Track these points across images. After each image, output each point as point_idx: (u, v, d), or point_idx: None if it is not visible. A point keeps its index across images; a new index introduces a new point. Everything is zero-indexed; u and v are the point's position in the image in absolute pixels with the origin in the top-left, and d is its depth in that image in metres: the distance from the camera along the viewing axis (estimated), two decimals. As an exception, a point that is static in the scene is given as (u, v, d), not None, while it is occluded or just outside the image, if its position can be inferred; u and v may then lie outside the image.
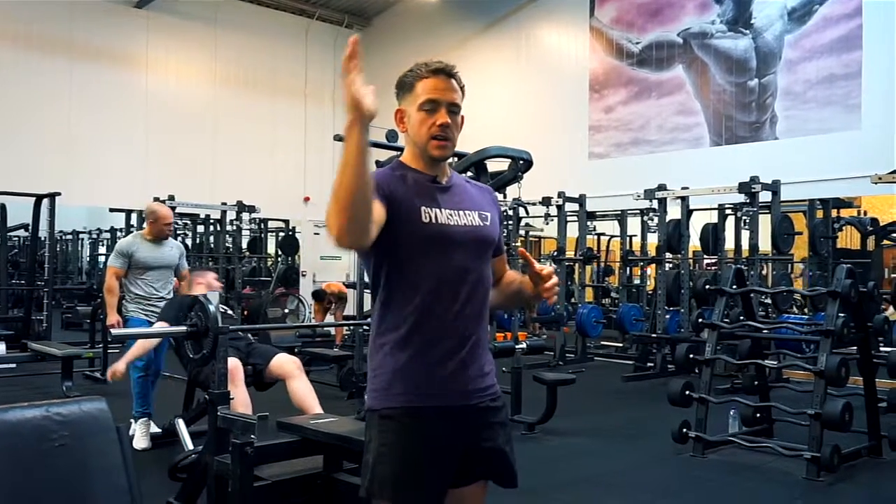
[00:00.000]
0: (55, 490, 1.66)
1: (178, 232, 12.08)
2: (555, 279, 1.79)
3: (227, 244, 11.25)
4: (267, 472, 2.90)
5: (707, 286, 7.76)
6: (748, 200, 7.71)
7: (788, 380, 6.86)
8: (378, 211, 1.61)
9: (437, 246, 1.72)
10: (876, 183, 6.88)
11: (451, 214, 1.74)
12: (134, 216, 12.91)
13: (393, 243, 1.69)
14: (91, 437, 1.74)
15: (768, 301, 7.59)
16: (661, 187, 8.55)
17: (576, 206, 9.79)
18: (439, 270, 1.71)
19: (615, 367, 8.89)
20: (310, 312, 11.02)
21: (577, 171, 11.16)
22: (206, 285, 4.87)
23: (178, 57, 12.85)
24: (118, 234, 14.78)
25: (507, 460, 1.81)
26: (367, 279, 6.33)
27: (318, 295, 9.65)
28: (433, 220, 1.72)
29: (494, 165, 6.21)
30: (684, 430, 4.81)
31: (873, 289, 5.16)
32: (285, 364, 4.28)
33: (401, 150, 5.64)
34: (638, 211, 10.02)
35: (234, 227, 11.10)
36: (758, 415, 5.08)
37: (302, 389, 4.15)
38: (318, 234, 12.46)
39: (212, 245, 12.25)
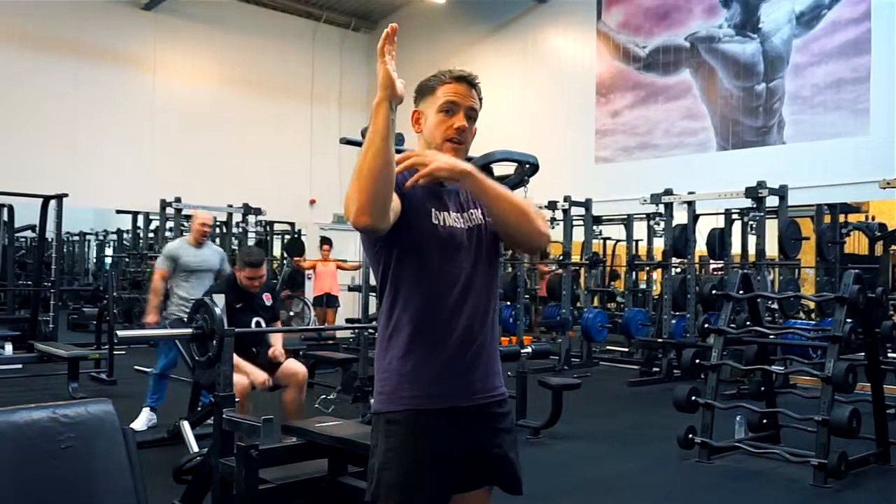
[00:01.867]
0: (61, 491, 1.66)
1: (185, 234, 12.10)
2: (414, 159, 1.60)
3: (232, 246, 11.26)
4: (272, 475, 2.89)
5: (713, 291, 7.74)
6: (755, 205, 7.69)
7: (795, 385, 6.83)
8: (395, 201, 1.61)
9: (445, 248, 1.72)
10: (884, 188, 6.86)
11: (457, 217, 1.75)
12: (140, 218, 12.96)
13: (401, 244, 1.69)
14: (97, 438, 1.74)
15: (775, 307, 7.56)
16: (668, 192, 8.53)
17: (582, 211, 9.78)
18: (446, 273, 1.71)
19: (621, 372, 8.87)
20: (314, 315, 11.04)
21: (584, 175, 11.15)
22: None
23: (185, 59, 12.89)
24: (125, 235, 14.84)
25: (513, 467, 1.80)
26: (373, 282, 6.28)
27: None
28: (442, 223, 1.73)
29: (501, 169, 6.20)
30: (690, 435, 4.79)
31: (881, 294, 5.13)
32: (298, 372, 4.39)
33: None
34: (644, 215, 10.00)
35: (240, 230, 11.12)
36: (764, 420, 5.06)
37: (298, 403, 4.34)
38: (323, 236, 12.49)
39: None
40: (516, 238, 1.74)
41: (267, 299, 4.52)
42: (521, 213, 1.68)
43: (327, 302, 10.29)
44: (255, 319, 4.37)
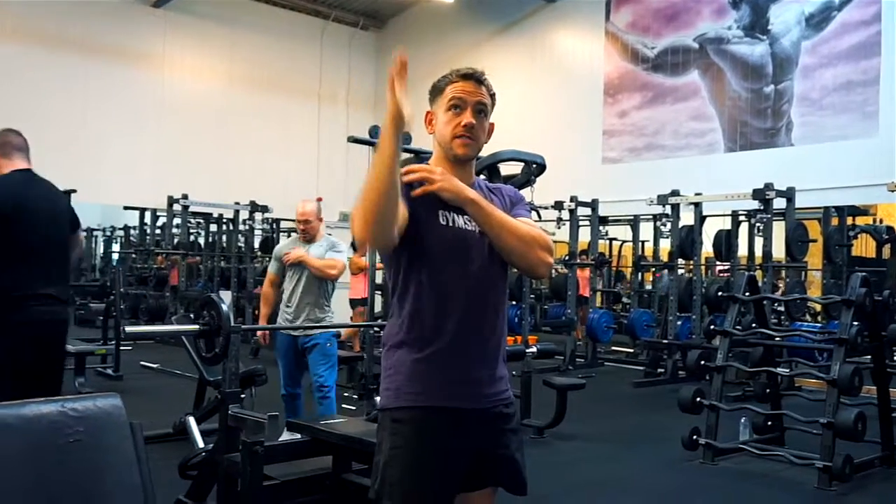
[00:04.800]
0: (69, 485, 1.67)
1: (191, 231, 12.10)
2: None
3: (239, 244, 11.29)
4: (276, 472, 2.91)
5: (720, 293, 7.73)
6: (762, 207, 7.67)
7: (800, 388, 6.81)
8: (402, 213, 1.64)
9: (454, 250, 1.73)
10: (892, 191, 6.84)
11: (468, 220, 1.75)
12: (147, 214, 13.00)
13: (411, 245, 1.70)
14: (105, 433, 1.75)
15: (781, 309, 7.54)
16: (675, 193, 8.51)
17: (588, 211, 9.76)
18: (455, 274, 1.72)
19: (626, 373, 8.87)
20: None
21: (591, 176, 11.14)
22: None
23: (194, 56, 12.94)
24: (132, 231, 14.87)
25: (518, 468, 1.81)
26: (379, 281, 6.19)
27: None
28: (450, 224, 1.74)
29: (508, 169, 6.21)
30: (695, 436, 4.78)
31: (888, 298, 5.11)
32: None
33: (412, 152, 5.63)
34: (651, 216, 9.97)
35: (247, 227, 11.15)
36: (769, 423, 5.04)
37: None
38: (330, 234, 12.50)
39: (224, 244, 12.30)
40: (517, 265, 1.77)
41: None
42: (523, 244, 1.70)
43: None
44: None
